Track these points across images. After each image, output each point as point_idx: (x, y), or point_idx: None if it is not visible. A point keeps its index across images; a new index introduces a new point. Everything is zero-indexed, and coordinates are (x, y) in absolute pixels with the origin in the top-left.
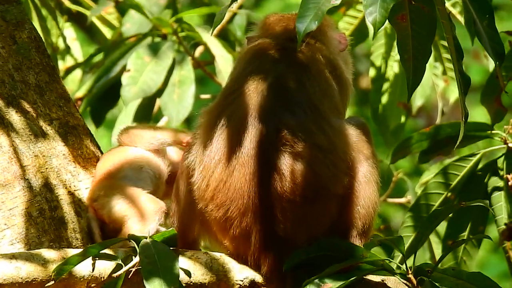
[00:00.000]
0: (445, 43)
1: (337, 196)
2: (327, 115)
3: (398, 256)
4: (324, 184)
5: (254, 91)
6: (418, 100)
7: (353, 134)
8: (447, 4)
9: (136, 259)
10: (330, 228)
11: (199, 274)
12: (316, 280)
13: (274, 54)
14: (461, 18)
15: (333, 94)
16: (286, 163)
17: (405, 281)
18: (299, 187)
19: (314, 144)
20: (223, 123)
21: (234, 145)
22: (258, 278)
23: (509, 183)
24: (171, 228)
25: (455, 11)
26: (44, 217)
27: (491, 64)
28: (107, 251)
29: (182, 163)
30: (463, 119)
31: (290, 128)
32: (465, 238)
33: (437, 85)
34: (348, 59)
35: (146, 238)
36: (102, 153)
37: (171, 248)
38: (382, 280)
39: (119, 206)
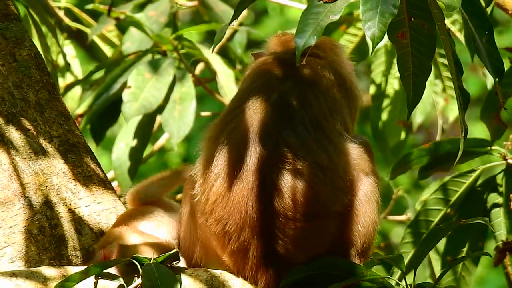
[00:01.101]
0: (445, 61)
1: (337, 214)
2: (330, 132)
3: (398, 272)
4: (323, 202)
5: (258, 107)
6: (418, 117)
7: (356, 152)
8: (447, 22)
9: (138, 281)
10: (329, 247)
11: None
12: None
13: (280, 70)
14: (460, 36)
15: (340, 110)
16: (285, 180)
17: None
18: (298, 205)
19: (314, 162)
20: (225, 138)
21: (234, 160)
22: None
23: (511, 203)
24: (174, 250)
25: (454, 29)
26: (45, 235)
27: (489, 80)
28: (109, 270)
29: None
30: (463, 135)
31: (290, 145)
32: (464, 254)
33: (437, 102)
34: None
35: (150, 260)
36: (102, 171)
37: (174, 263)
38: None
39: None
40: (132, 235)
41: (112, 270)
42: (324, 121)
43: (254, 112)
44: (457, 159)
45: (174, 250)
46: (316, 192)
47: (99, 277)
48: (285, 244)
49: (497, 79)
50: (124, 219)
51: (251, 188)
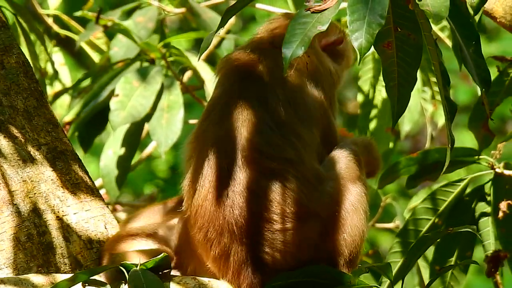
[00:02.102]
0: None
1: (316, 218)
2: (294, 124)
3: (386, 281)
4: (298, 199)
5: (221, 114)
6: (406, 125)
7: (343, 162)
8: (435, 28)
9: (125, 287)
10: (315, 255)
11: None
12: None
13: (243, 69)
14: (449, 42)
15: (304, 99)
16: (256, 181)
17: None
18: (273, 204)
19: (282, 158)
20: (197, 148)
21: (205, 168)
22: None
23: (500, 212)
24: (162, 254)
25: (444, 35)
26: (33, 242)
27: (478, 88)
28: (96, 277)
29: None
30: (449, 146)
31: (255, 145)
32: (452, 263)
33: (426, 109)
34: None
35: (137, 266)
36: (90, 178)
37: (164, 270)
38: None
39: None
40: (125, 242)
41: (101, 277)
42: (285, 114)
43: (221, 119)
44: (444, 169)
45: (162, 255)
46: (289, 188)
47: (86, 284)
48: (265, 248)
49: (483, 89)
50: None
51: (225, 194)
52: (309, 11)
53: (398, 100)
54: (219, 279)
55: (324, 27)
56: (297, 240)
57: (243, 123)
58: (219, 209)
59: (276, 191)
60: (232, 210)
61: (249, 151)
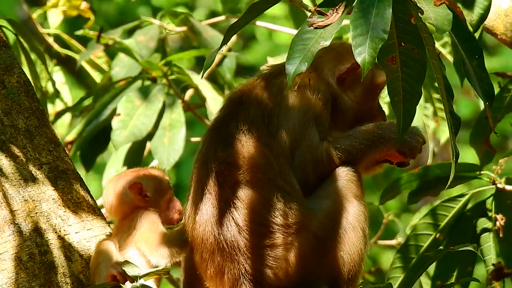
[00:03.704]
0: (435, 84)
1: (308, 233)
2: (266, 140)
3: None
4: (280, 209)
5: (209, 136)
6: None
7: (342, 181)
8: (437, 45)
9: None
10: (312, 273)
11: None
12: None
13: (234, 95)
14: (450, 58)
15: (278, 114)
16: (230, 194)
17: None
18: (255, 215)
19: (251, 166)
20: (193, 171)
21: (193, 191)
22: None
23: (497, 224)
24: (164, 266)
25: (445, 51)
26: (34, 262)
27: (481, 103)
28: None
29: None
30: (454, 159)
31: (222, 160)
32: (454, 279)
33: (428, 125)
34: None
35: (136, 282)
36: (92, 197)
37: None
38: None
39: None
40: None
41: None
42: (254, 127)
43: (208, 141)
44: (449, 183)
45: (164, 266)
46: (263, 197)
47: None
48: (256, 265)
49: (487, 103)
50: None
51: (209, 213)
52: (312, 27)
53: (403, 115)
54: None
55: (327, 43)
56: (288, 256)
57: (217, 142)
58: (207, 229)
59: (255, 202)
60: (219, 228)
61: (219, 166)
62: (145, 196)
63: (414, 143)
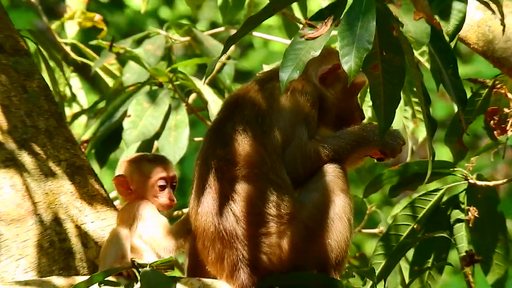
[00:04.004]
0: (414, 89)
1: (299, 222)
2: (260, 138)
3: (370, 282)
4: (274, 201)
5: (208, 136)
6: None
7: (329, 177)
8: (416, 53)
9: (137, 286)
10: (303, 259)
11: None
12: None
13: (231, 99)
14: (428, 65)
15: (270, 114)
16: (228, 187)
17: None
18: (251, 207)
19: (246, 162)
20: (195, 168)
21: (195, 186)
22: None
23: (469, 215)
24: (169, 256)
25: (423, 59)
26: (54, 248)
27: (455, 106)
28: (111, 278)
29: None
30: (431, 158)
31: (222, 157)
32: (430, 264)
33: (407, 126)
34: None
35: (147, 266)
36: (105, 191)
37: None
38: None
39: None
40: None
41: None
42: (249, 127)
43: (207, 140)
44: (426, 179)
45: (169, 258)
46: (262, 190)
47: (102, 284)
48: (253, 251)
49: (460, 107)
50: None
51: (209, 204)
52: (303, 38)
53: (384, 117)
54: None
55: (317, 53)
56: (281, 243)
57: (215, 141)
58: (208, 219)
59: (250, 194)
60: (218, 218)
61: (217, 162)
62: (128, 188)
63: (395, 145)
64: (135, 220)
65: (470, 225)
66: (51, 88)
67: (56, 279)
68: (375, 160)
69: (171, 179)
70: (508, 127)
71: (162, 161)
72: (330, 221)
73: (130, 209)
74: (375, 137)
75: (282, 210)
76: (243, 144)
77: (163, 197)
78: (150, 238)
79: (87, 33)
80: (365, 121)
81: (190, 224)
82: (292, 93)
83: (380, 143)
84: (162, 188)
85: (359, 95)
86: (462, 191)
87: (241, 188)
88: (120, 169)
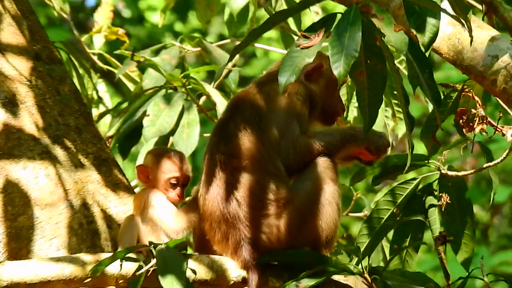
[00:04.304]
0: (394, 92)
1: (293, 207)
2: (258, 134)
3: (356, 259)
4: (264, 186)
5: (214, 133)
6: None
7: (320, 168)
8: (395, 62)
9: (153, 261)
10: (298, 238)
11: (202, 272)
12: (294, 282)
13: (234, 101)
14: (405, 71)
15: (271, 117)
16: (232, 177)
17: (362, 279)
18: (249, 191)
19: (248, 156)
20: (204, 159)
21: (204, 176)
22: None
23: (441, 201)
24: (181, 237)
25: (401, 67)
26: (83, 229)
27: (431, 106)
28: (131, 255)
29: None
30: (410, 150)
31: (225, 151)
32: (407, 243)
33: (388, 124)
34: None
35: (162, 245)
36: (127, 180)
37: (181, 252)
38: (344, 278)
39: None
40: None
41: None
42: (248, 125)
43: (213, 136)
44: (406, 169)
45: (182, 238)
46: (260, 179)
47: (124, 260)
48: (254, 231)
49: (435, 106)
50: None
51: (216, 191)
52: (298, 48)
53: (369, 116)
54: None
55: (310, 60)
56: (278, 224)
57: (220, 138)
58: (215, 204)
59: (250, 182)
60: (223, 203)
61: (222, 156)
62: (147, 177)
63: (379, 143)
64: (146, 207)
65: (442, 209)
66: (80, 91)
67: (84, 256)
68: (363, 165)
69: (183, 180)
70: (475, 125)
71: (180, 162)
72: (321, 205)
73: (141, 197)
74: (362, 136)
75: (279, 195)
76: (243, 140)
77: (172, 193)
78: (160, 222)
79: (112, 45)
80: (350, 120)
81: (197, 206)
82: (286, 93)
83: (366, 141)
84: (174, 185)
85: (346, 97)
86: (435, 180)
87: (242, 178)
88: (144, 159)
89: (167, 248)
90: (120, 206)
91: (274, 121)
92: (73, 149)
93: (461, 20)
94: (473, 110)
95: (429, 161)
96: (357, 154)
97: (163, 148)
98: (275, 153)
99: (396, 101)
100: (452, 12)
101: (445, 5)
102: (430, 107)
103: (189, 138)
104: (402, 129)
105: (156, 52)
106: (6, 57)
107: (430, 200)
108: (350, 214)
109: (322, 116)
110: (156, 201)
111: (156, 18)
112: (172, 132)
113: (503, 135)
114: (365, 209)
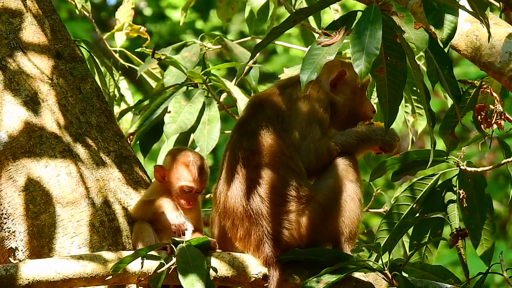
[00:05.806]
0: (414, 88)
1: (315, 203)
2: (280, 133)
3: (375, 255)
4: (287, 182)
5: (235, 130)
6: None
7: (342, 166)
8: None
9: (174, 259)
10: (320, 234)
11: (223, 269)
12: (315, 278)
13: (255, 100)
14: (424, 68)
15: (294, 118)
16: (255, 174)
17: (383, 276)
18: (274, 190)
19: (269, 153)
20: (224, 157)
21: (224, 173)
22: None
23: (461, 196)
24: (204, 235)
25: (420, 63)
26: (104, 227)
27: (450, 102)
28: (152, 252)
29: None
30: (432, 146)
31: (248, 148)
32: (426, 239)
33: (408, 120)
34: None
35: (183, 243)
36: (148, 177)
37: (204, 249)
38: (365, 275)
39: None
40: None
41: None
42: (272, 126)
43: (234, 133)
44: (429, 164)
45: (204, 237)
46: (283, 176)
47: (145, 258)
48: (276, 228)
49: (456, 102)
50: None
51: (238, 188)
52: (320, 45)
53: (389, 113)
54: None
55: (332, 57)
56: (300, 220)
57: (242, 135)
58: (238, 200)
59: (273, 179)
60: (246, 200)
61: (244, 152)
62: (163, 178)
63: (392, 142)
64: (156, 213)
65: (464, 205)
66: (102, 89)
67: (105, 254)
68: (374, 154)
69: (197, 189)
70: (493, 121)
71: (197, 171)
72: (344, 201)
73: (150, 204)
74: (377, 136)
75: (301, 192)
76: (265, 137)
77: (183, 199)
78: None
79: (134, 42)
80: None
81: (217, 207)
82: (308, 98)
83: (382, 141)
84: (186, 193)
85: (367, 94)
86: (454, 176)
87: (265, 174)
88: (164, 159)
89: (188, 247)
90: None
91: (296, 122)
92: (94, 147)
93: (479, 17)
94: (491, 106)
95: (448, 157)
96: (369, 150)
97: (183, 151)
98: (296, 153)
99: (415, 97)
100: (470, 9)
101: (463, 2)
102: (449, 103)
103: (210, 134)
104: (421, 125)
105: (177, 50)
106: (27, 56)
107: (450, 195)
108: (370, 210)
109: (350, 122)
110: (166, 208)
111: (177, 16)
112: (193, 128)
113: None
114: (385, 205)
